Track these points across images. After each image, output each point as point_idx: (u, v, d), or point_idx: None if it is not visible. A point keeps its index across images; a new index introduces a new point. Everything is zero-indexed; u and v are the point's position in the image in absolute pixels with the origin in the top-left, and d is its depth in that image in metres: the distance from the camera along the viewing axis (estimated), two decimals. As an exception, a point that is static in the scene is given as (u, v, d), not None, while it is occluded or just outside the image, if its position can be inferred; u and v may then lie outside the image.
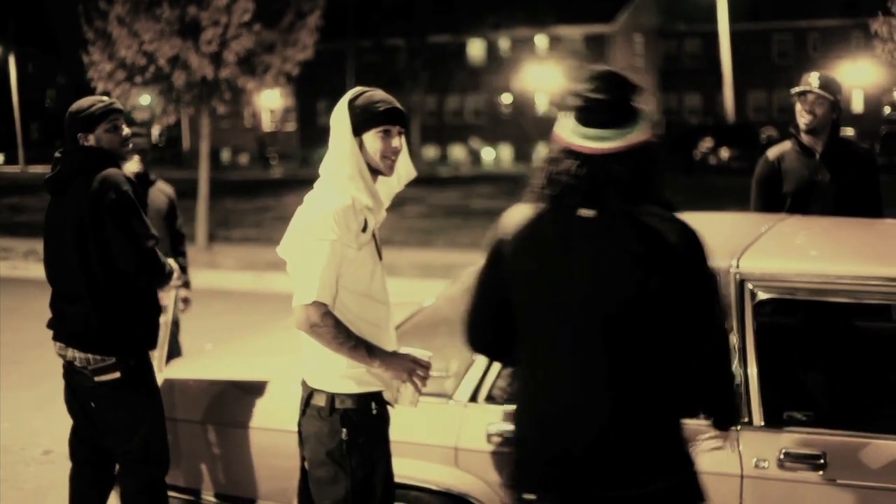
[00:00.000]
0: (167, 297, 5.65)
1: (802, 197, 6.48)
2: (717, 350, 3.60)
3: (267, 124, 74.82)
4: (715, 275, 3.74)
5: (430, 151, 67.93)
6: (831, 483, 4.15)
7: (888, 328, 5.91)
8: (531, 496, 3.65)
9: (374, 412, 4.26)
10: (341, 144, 4.21)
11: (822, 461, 4.14)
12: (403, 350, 4.32)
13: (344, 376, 4.20)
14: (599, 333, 3.48)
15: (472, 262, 4.74)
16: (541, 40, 68.01)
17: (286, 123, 74.51)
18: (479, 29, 65.03)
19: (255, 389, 5.31)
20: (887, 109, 58.78)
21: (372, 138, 4.23)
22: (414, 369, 4.25)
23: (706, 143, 48.79)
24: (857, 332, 5.74)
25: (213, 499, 5.36)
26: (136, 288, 5.18)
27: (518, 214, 3.67)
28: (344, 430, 4.18)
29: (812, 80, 6.48)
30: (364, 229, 4.19)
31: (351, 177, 4.17)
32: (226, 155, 70.42)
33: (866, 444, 4.17)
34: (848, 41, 61.98)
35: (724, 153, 48.07)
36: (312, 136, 67.16)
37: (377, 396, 4.27)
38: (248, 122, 72.19)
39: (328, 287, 4.09)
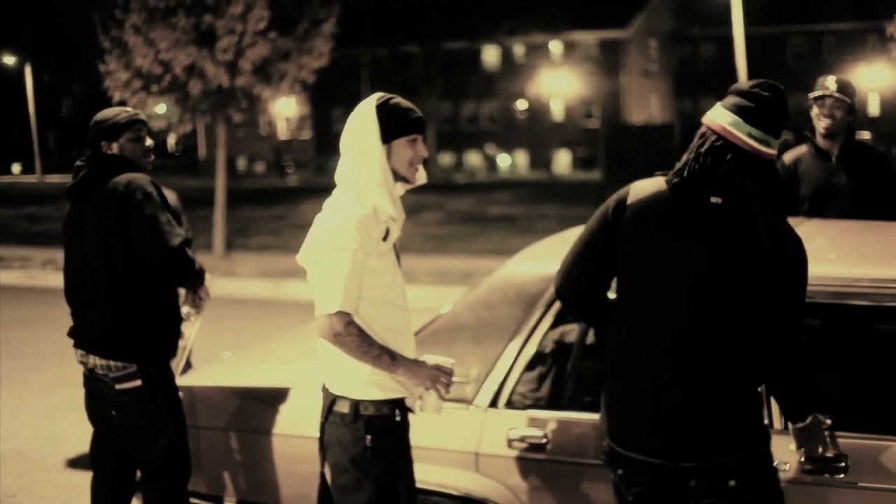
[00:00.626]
0: (189, 322, 5.64)
1: (820, 200, 6.49)
2: (792, 346, 3.90)
3: (283, 132, 74.95)
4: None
5: (446, 158, 68.01)
6: (852, 486, 4.15)
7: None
8: (625, 452, 3.91)
9: (398, 419, 4.26)
10: (368, 150, 4.17)
11: (843, 464, 4.14)
12: (426, 357, 4.31)
13: (368, 383, 4.19)
14: (708, 309, 3.79)
15: (488, 269, 4.74)
16: (555, 46, 68.04)
17: (302, 131, 74.60)
18: (493, 35, 65.09)
19: (275, 396, 5.32)
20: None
21: (402, 146, 4.21)
22: (438, 376, 4.24)
23: (722, 148, 48.65)
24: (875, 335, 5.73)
25: (235, 506, 5.38)
26: (160, 293, 5.19)
27: (647, 187, 3.91)
28: (368, 436, 4.17)
29: (829, 83, 6.49)
30: (385, 238, 4.19)
31: (379, 184, 4.15)
32: (242, 163, 70.62)
33: (888, 447, 4.17)
34: (863, 44, 61.87)
35: (740, 157, 47.94)
36: (328, 144, 67.23)
37: (400, 403, 4.27)
38: (263, 130, 72.34)
39: (351, 296, 4.09)
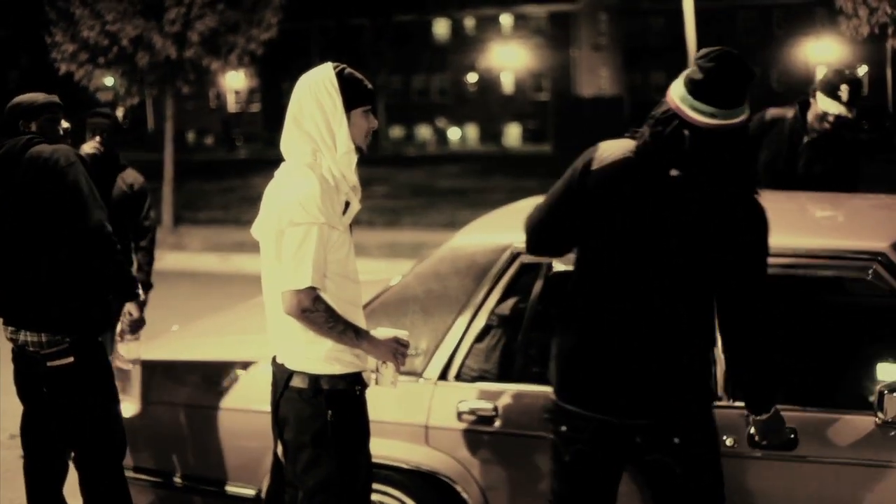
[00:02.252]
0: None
1: (772, 172, 6.48)
2: (756, 328, 3.89)
3: (232, 105, 74.51)
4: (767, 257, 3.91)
5: (396, 131, 67.85)
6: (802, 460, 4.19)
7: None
8: (572, 408, 3.96)
9: (357, 392, 4.22)
10: (333, 119, 4.11)
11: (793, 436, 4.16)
12: (380, 330, 4.25)
13: (327, 357, 4.12)
14: (664, 278, 3.83)
15: (439, 242, 4.69)
16: (506, 19, 67.98)
17: (251, 104, 74.18)
18: (444, 8, 64.92)
19: (222, 370, 5.27)
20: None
21: (359, 116, 4.16)
22: (398, 349, 4.21)
23: (673, 121, 48.87)
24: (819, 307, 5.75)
25: (181, 480, 5.32)
26: (84, 264, 5.09)
27: (613, 151, 3.92)
28: (329, 411, 4.11)
29: (844, 93, 6.35)
30: (345, 211, 4.14)
31: (347, 152, 4.11)
32: (191, 136, 70.10)
33: (835, 419, 4.20)
34: (812, 18, 62.03)
35: (690, 131, 48.19)
36: (277, 117, 65.92)
37: (359, 377, 4.22)
38: (212, 103, 71.88)
39: (319, 271, 4.02)
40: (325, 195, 4.02)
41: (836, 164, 6.49)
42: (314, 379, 4.12)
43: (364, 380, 4.25)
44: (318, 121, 4.11)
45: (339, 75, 4.14)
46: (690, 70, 3.79)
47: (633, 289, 3.86)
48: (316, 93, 4.12)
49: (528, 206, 5.46)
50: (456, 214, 21.38)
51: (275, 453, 4.38)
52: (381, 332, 4.23)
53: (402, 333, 4.25)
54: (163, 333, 6.46)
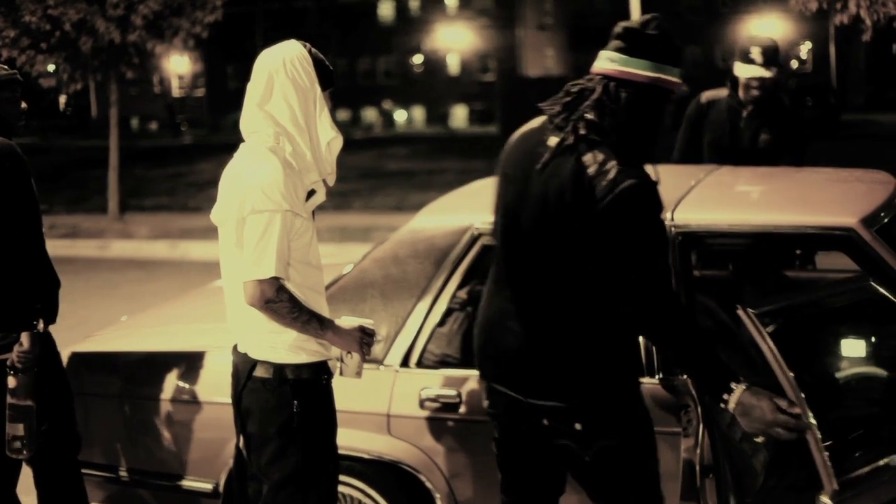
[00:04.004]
0: None
1: (720, 150, 6.48)
2: (657, 310, 3.63)
3: (176, 90, 73.93)
4: (649, 237, 3.63)
5: (343, 114, 67.53)
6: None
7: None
8: (485, 382, 4.03)
9: (323, 382, 4.09)
10: (312, 100, 4.01)
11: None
12: (345, 319, 4.11)
13: (292, 347, 3.99)
14: (532, 256, 3.75)
15: (389, 225, 4.57)
16: (451, 0, 67.80)
17: (195, 89, 73.65)
18: (389, -11, 64.69)
19: (175, 360, 5.12)
20: (795, 63, 59.34)
21: (326, 98, 4.08)
22: (363, 339, 4.08)
23: (619, 100, 49.08)
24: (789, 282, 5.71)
25: (134, 475, 5.17)
26: (32, 257, 4.88)
27: (532, 122, 3.93)
28: (295, 402, 3.98)
29: (756, 55, 6.38)
30: (308, 198, 4.01)
31: (336, 137, 4.07)
32: (135, 122, 69.49)
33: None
34: (755, -5, 62.37)
35: (637, 109, 48.44)
36: (222, 101, 66.48)
37: (324, 366, 4.10)
38: (156, 88, 71.27)
39: (283, 260, 3.88)
40: (288, 181, 3.88)
41: (779, 133, 6.53)
42: (279, 368, 3.99)
43: (329, 369, 4.12)
44: (293, 102, 3.98)
45: (311, 53, 4.04)
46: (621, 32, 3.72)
47: (511, 262, 3.85)
48: (291, 72, 3.99)
49: (485, 186, 5.38)
50: (405, 197, 21.31)
51: (237, 446, 4.24)
52: (346, 321, 4.09)
53: (367, 322, 4.11)
54: (112, 324, 6.30)
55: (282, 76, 3.98)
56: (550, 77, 56.57)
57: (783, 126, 6.56)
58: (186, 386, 5.02)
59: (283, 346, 3.99)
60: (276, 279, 3.85)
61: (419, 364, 4.65)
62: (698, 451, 4.13)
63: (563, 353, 3.73)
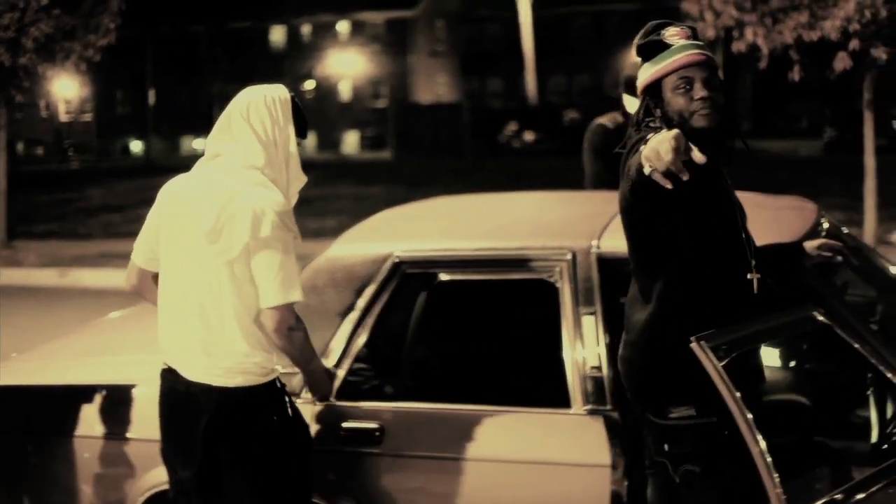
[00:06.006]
0: None
1: (597, 179, 6.44)
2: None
3: (63, 114, 72.83)
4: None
5: (233, 139, 67.03)
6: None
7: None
8: None
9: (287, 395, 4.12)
10: (288, 141, 4.06)
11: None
12: None
13: (263, 367, 3.96)
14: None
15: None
16: (343, 26, 67.79)
17: (83, 114, 72.63)
18: (280, 15, 64.46)
19: (81, 395, 4.89)
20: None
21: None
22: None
23: (511, 127, 49.38)
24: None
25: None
26: None
27: None
28: (275, 417, 3.98)
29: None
30: None
31: (302, 183, 4.15)
32: (20, 146, 68.33)
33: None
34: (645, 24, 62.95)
35: (528, 136, 48.80)
36: (111, 126, 65.76)
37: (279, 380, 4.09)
38: (43, 112, 70.16)
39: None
40: (291, 212, 3.97)
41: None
42: (255, 390, 3.95)
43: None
44: (275, 138, 4.02)
45: (294, 102, 4.12)
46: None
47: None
48: (276, 112, 4.06)
49: (400, 214, 5.27)
50: (302, 223, 20.75)
51: (177, 482, 4.06)
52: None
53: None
54: (4, 357, 6.01)
55: (270, 116, 4.03)
56: (442, 103, 56.91)
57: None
58: (94, 421, 4.79)
59: (255, 368, 3.94)
60: (292, 305, 3.90)
61: (339, 395, 4.49)
62: (626, 483, 4.08)
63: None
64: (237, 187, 3.91)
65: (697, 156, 3.01)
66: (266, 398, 3.98)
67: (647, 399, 3.72)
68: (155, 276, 4.14)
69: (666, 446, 3.68)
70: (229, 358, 3.91)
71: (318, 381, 4.27)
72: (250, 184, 3.91)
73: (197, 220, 3.92)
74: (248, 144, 3.97)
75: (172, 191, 4.06)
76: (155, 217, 4.10)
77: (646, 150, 3.08)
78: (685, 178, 2.98)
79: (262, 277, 3.86)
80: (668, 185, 3.04)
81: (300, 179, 4.11)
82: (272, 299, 3.86)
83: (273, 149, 3.99)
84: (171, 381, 4.02)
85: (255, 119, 4.00)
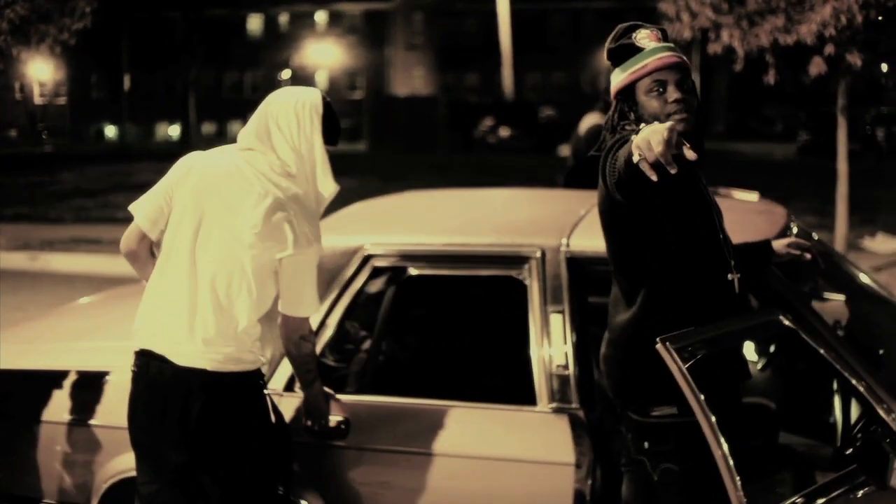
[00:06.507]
0: None
1: (575, 177, 6.47)
2: None
3: (37, 97, 72.50)
4: None
5: (208, 127, 66.85)
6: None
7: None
8: None
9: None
10: (313, 151, 4.00)
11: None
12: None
13: (255, 355, 3.99)
14: None
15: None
16: (320, 16, 67.73)
17: (57, 97, 72.32)
18: (258, 3, 64.29)
19: (50, 380, 4.88)
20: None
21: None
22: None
23: (486, 122, 49.36)
24: None
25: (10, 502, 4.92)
26: None
27: None
28: (263, 403, 4.01)
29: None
30: None
31: (332, 195, 4.07)
32: (-7, 129, 68.05)
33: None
34: (624, 21, 63.01)
35: (504, 132, 48.77)
36: (85, 109, 65.46)
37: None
38: (17, 95, 69.83)
39: None
40: None
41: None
42: (254, 374, 3.99)
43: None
44: (300, 145, 3.99)
45: (326, 106, 4.05)
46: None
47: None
48: (306, 117, 4.00)
49: (369, 206, 5.26)
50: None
51: (162, 469, 4.02)
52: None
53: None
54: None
55: (303, 119, 3.99)
56: (418, 97, 56.82)
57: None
58: (62, 406, 4.77)
59: (250, 357, 3.97)
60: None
61: (305, 388, 4.48)
62: (589, 482, 4.08)
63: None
64: (281, 194, 3.89)
65: (690, 153, 3.01)
66: (255, 386, 4.00)
67: (629, 397, 3.73)
68: (151, 248, 4.10)
69: (646, 444, 3.69)
70: (232, 345, 3.90)
71: (316, 404, 4.22)
72: (293, 196, 3.91)
73: (235, 213, 3.89)
74: (281, 150, 3.97)
75: (200, 169, 4.00)
76: (171, 186, 4.01)
77: (637, 139, 3.08)
78: (672, 171, 2.97)
79: (289, 285, 3.92)
80: (654, 177, 3.04)
81: (328, 189, 4.03)
82: (295, 309, 3.95)
83: (299, 156, 3.97)
84: (154, 366, 3.93)
85: (283, 123, 3.98)
